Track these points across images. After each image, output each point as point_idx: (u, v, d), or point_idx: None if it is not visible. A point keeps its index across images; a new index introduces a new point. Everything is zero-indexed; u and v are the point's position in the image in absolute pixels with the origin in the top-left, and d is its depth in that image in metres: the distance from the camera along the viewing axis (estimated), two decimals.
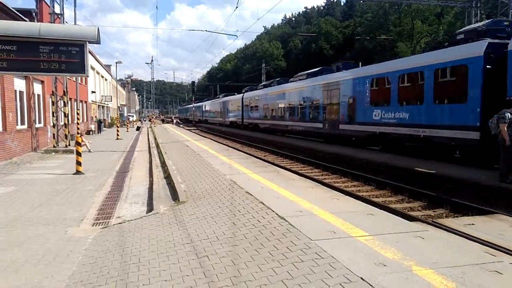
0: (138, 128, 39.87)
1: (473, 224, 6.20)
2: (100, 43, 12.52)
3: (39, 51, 11.77)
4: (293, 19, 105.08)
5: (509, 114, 8.70)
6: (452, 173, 10.14)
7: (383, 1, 40.99)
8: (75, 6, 19.47)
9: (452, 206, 7.90)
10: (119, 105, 62.19)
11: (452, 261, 3.81)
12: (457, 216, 7.39)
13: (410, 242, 4.37)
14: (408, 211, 7.85)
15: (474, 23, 27.51)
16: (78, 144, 11.79)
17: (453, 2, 33.68)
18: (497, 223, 6.26)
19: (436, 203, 8.29)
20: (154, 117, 79.83)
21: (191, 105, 68.61)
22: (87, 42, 11.95)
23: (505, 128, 8.62)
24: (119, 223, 6.53)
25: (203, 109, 58.85)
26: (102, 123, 36.97)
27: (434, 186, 9.64)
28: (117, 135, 26.79)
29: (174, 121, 69.61)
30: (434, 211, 7.89)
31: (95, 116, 36.94)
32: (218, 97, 51.42)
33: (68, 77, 18.59)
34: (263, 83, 36.64)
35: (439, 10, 47.91)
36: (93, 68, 37.34)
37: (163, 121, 74.79)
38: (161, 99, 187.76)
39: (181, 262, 4.22)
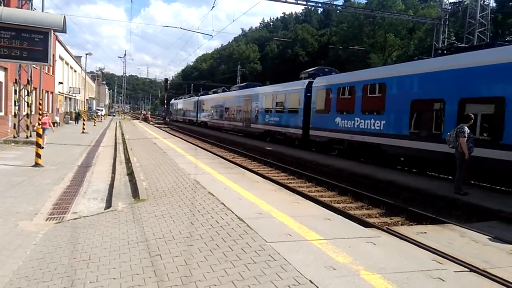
0: (145, 119, 47.75)
1: (425, 232, 6.42)
2: (66, 32, 12.11)
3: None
4: (271, 23, 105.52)
5: (467, 129, 9.03)
6: (409, 182, 10.47)
7: (358, 12, 42.03)
8: None
9: (408, 215, 8.15)
10: (87, 98, 60.33)
11: (399, 267, 3.94)
12: (411, 224, 7.63)
13: (362, 247, 4.49)
14: (366, 217, 8.04)
15: (442, 40, 28.72)
16: (38, 135, 11.36)
17: (424, 18, 34.95)
18: (447, 232, 6.50)
19: (393, 211, 8.54)
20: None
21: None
22: (52, 31, 11.51)
23: (465, 142, 8.92)
24: (74, 218, 6.34)
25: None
26: (81, 116, 35.89)
27: (393, 194, 9.92)
28: (83, 128, 26.03)
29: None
30: (391, 219, 8.11)
31: (62, 108, 35.64)
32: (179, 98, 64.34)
33: (33, 65, 17.84)
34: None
35: (411, 25, 49.57)
36: (61, 58, 36.10)
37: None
38: (133, 95, 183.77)
39: (132, 260, 4.15)
